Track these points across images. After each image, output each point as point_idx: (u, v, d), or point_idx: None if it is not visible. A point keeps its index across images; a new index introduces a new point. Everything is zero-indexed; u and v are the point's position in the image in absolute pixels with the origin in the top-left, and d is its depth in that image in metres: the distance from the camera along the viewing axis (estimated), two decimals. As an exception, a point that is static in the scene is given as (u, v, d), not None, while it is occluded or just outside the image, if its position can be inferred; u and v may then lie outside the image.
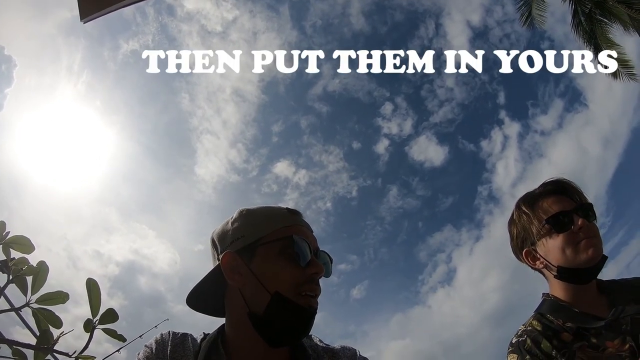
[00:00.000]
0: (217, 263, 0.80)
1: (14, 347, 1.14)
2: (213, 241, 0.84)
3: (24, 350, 1.14)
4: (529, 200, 1.15)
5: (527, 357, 0.97)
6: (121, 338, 0.93)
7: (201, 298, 0.85)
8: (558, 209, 1.08)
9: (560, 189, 1.12)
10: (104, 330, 0.93)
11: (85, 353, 0.97)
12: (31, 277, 1.10)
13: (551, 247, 1.08)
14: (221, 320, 0.86)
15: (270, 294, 0.72)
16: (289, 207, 0.83)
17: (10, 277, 1.17)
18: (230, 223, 0.83)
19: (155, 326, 0.98)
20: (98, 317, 0.93)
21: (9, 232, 1.21)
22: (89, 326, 0.95)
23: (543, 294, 1.13)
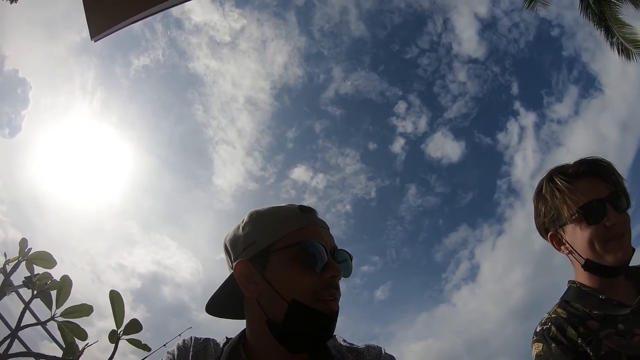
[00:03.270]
0: (232, 271, 0.78)
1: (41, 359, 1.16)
2: (226, 247, 0.82)
3: (52, 363, 1.16)
4: (564, 177, 1.05)
5: (553, 345, 0.92)
6: (146, 348, 0.94)
7: (221, 305, 0.83)
8: (591, 196, 1.00)
9: (596, 170, 1.02)
10: (129, 340, 0.94)
11: (111, 364, 0.98)
12: (55, 291, 1.12)
13: (580, 237, 1.01)
14: (244, 324, 0.85)
15: (287, 302, 0.69)
16: (303, 205, 0.79)
17: (35, 292, 1.20)
18: (241, 228, 0.79)
19: (179, 335, 0.97)
20: (122, 327, 0.94)
21: (31, 248, 1.24)
22: (113, 337, 0.96)
23: (569, 281, 1.09)
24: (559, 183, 1.06)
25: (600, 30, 7.79)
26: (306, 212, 0.78)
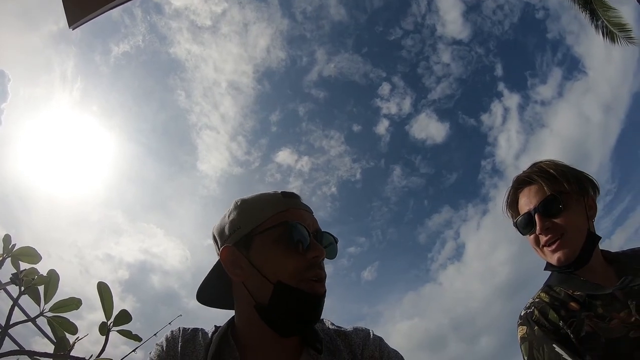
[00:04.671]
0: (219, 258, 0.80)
1: (33, 357, 1.15)
2: (214, 236, 0.83)
3: (43, 359, 1.15)
4: (512, 189, 1.15)
5: (536, 327, 0.96)
6: (136, 338, 0.93)
7: (210, 293, 0.85)
8: (524, 209, 1.09)
9: (534, 178, 1.09)
10: (119, 331, 0.93)
11: (103, 356, 0.97)
12: (43, 286, 1.11)
13: (530, 244, 1.11)
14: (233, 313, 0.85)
15: (272, 284, 0.71)
16: (285, 190, 0.81)
17: (22, 289, 1.18)
18: (227, 216, 0.81)
19: (169, 323, 0.98)
20: (112, 319, 0.93)
21: (15, 244, 1.21)
22: (104, 329, 0.95)
23: (550, 265, 1.12)
24: (506, 198, 1.17)
25: (585, 13, 7.84)
26: (288, 197, 0.80)
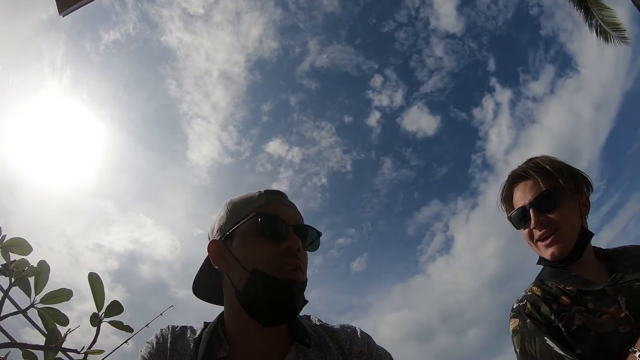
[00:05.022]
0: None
1: (25, 349, 1.14)
2: (208, 235, 0.88)
3: (35, 351, 1.14)
4: (507, 183, 1.16)
5: (528, 320, 0.98)
6: (128, 329, 0.94)
7: (204, 288, 0.88)
8: (518, 203, 1.10)
9: (529, 173, 1.10)
10: (111, 322, 0.93)
11: (94, 347, 0.97)
12: (33, 277, 1.10)
13: (524, 239, 1.12)
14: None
15: (248, 272, 0.74)
16: (269, 189, 0.85)
17: (12, 280, 1.17)
18: (217, 216, 0.87)
19: (161, 314, 0.98)
20: (103, 310, 0.93)
21: (5, 235, 1.20)
22: (95, 320, 0.95)
23: (543, 260, 1.14)
24: (501, 192, 1.18)
25: (580, 12, 7.89)
26: (270, 194, 0.85)
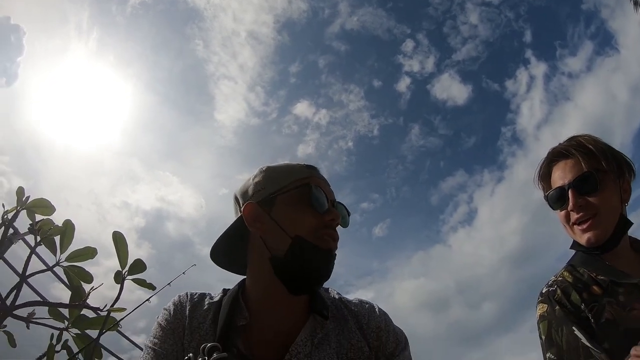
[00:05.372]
0: (239, 215, 0.82)
1: (50, 307, 1.19)
2: (235, 198, 0.87)
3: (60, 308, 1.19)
4: (546, 161, 1.10)
5: (557, 307, 0.94)
6: (150, 286, 0.95)
7: (224, 252, 0.87)
8: (556, 183, 1.04)
9: (572, 153, 1.02)
10: (134, 280, 0.95)
11: (118, 304, 1.00)
12: (59, 236, 1.12)
13: (560, 220, 1.06)
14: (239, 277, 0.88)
15: (290, 238, 0.75)
16: (307, 163, 0.86)
17: (38, 239, 1.20)
18: (251, 179, 0.85)
19: (183, 272, 0.99)
20: (127, 268, 0.95)
21: (29, 196, 1.23)
22: (118, 278, 0.97)
23: (577, 245, 1.09)
24: (539, 169, 1.12)
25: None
26: (311, 168, 0.86)
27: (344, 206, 0.87)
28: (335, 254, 0.79)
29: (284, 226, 0.76)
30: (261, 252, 0.78)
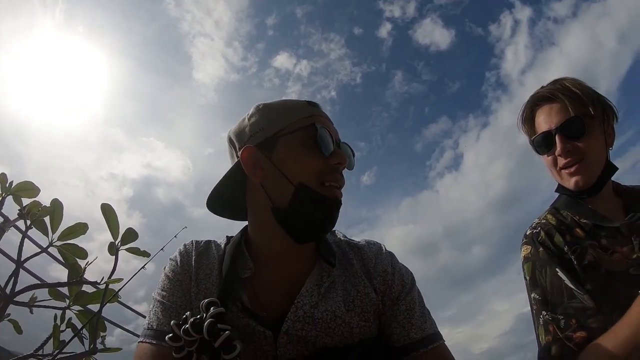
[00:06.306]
0: (236, 160, 0.76)
1: (49, 287, 1.20)
2: (230, 140, 0.80)
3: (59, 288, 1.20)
4: (529, 105, 1.09)
5: (540, 249, 0.96)
6: (145, 254, 0.97)
7: (222, 200, 0.82)
8: (542, 128, 1.03)
9: (557, 96, 1.01)
10: (128, 250, 0.96)
11: (115, 275, 1.01)
12: (48, 217, 1.12)
13: (545, 165, 1.06)
14: (240, 224, 0.85)
15: (293, 185, 0.69)
16: (308, 100, 0.79)
17: (29, 223, 1.20)
18: (247, 119, 0.77)
19: (175, 236, 1.00)
20: (119, 238, 0.95)
21: (12, 182, 1.21)
22: (112, 249, 0.98)
23: (562, 188, 1.10)
24: (521, 113, 1.10)
25: None
26: (313, 105, 0.78)
27: (349, 146, 0.80)
28: (341, 201, 0.74)
29: (287, 172, 0.71)
30: (262, 201, 0.73)
